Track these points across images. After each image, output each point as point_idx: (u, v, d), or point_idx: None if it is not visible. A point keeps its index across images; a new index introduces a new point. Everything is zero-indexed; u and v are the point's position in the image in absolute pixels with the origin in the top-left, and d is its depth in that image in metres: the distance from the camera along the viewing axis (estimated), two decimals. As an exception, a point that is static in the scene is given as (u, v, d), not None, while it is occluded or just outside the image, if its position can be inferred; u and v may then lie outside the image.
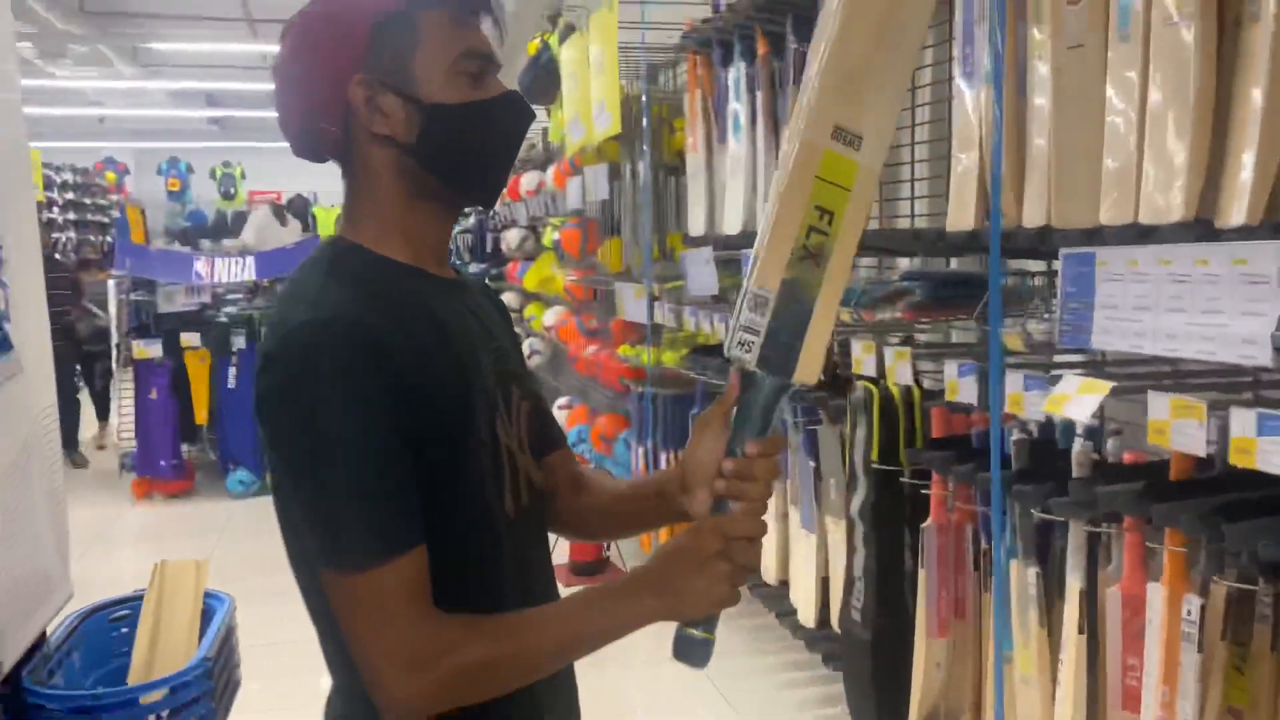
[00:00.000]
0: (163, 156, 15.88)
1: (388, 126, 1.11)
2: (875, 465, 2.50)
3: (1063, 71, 1.90)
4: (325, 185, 17.15)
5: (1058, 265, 2.11)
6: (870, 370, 2.33)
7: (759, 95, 3.37)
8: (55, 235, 11.33)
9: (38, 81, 11.05)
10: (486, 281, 1.25)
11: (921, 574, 2.43)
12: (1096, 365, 1.95)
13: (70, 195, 12.24)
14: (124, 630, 2.57)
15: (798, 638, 3.27)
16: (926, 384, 2.67)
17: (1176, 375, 1.82)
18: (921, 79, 3.07)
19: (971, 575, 2.39)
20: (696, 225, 3.85)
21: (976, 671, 2.40)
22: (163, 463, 5.96)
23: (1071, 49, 1.89)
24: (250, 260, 6.34)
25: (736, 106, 3.50)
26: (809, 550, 3.12)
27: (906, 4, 1.12)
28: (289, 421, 1.01)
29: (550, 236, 5.79)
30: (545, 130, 6.25)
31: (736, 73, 3.50)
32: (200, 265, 6.18)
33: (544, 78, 5.52)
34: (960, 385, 1.98)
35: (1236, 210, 1.56)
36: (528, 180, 6.28)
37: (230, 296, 6.46)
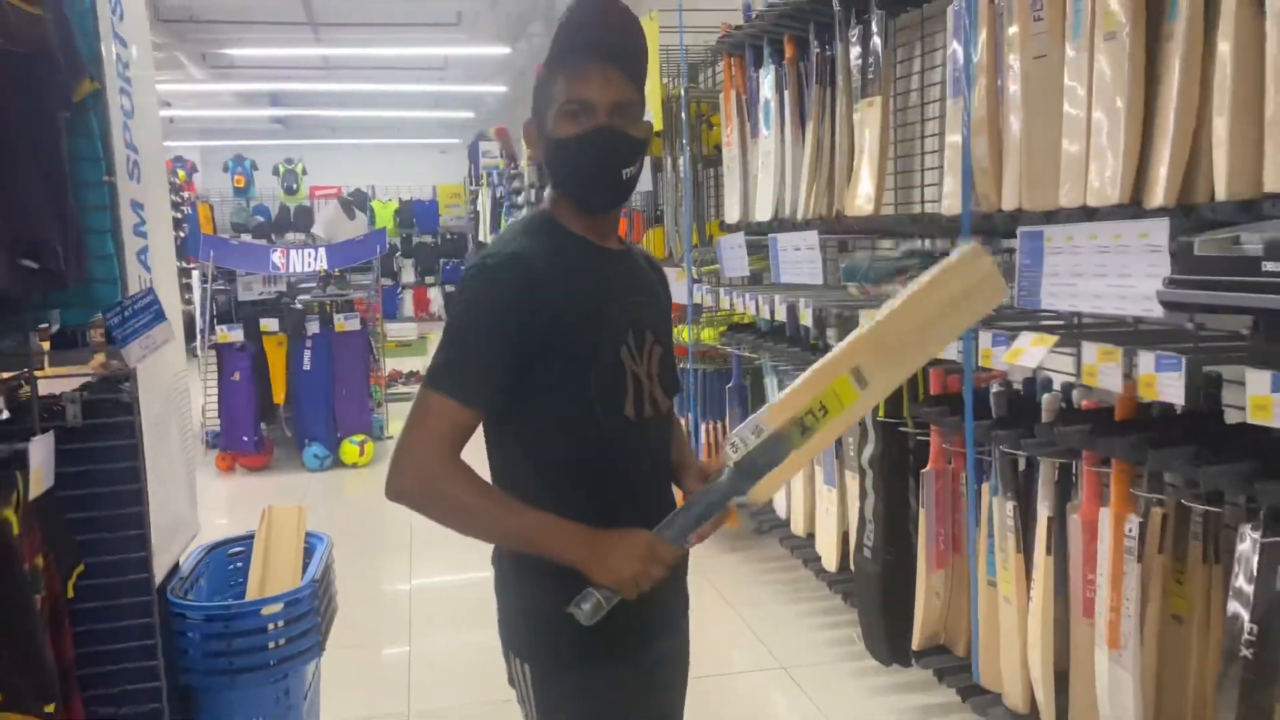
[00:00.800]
0: (228, 154, 16.55)
1: (541, 153, 1.55)
2: (882, 420, 2.86)
3: (1030, 79, 2.25)
4: (382, 180, 17.80)
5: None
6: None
7: (786, 94, 3.73)
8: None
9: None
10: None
11: (922, 514, 2.79)
12: (1069, 326, 2.29)
13: (144, 193, 12.88)
14: (239, 565, 3.02)
15: (821, 580, 3.64)
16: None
17: (1125, 330, 2.16)
18: (933, 79, 3.41)
19: (965, 514, 2.75)
20: (732, 213, 4.22)
21: (970, 598, 2.75)
22: (244, 439, 6.46)
23: (1037, 59, 2.24)
24: (322, 251, 6.82)
25: (767, 104, 3.86)
26: (831, 504, 3.48)
27: (959, 319, 1.50)
28: (463, 298, 1.47)
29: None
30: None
31: (767, 73, 3.86)
32: (277, 256, 6.67)
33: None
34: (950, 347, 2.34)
35: (1159, 194, 1.90)
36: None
37: (304, 285, 6.96)
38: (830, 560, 3.50)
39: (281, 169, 16.58)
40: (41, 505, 2.09)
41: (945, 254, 2.74)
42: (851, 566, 3.20)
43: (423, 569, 4.73)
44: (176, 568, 2.78)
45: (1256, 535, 1.80)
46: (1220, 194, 1.77)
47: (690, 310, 4.50)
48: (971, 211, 2.50)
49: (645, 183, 5.10)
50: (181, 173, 15.22)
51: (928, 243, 3.34)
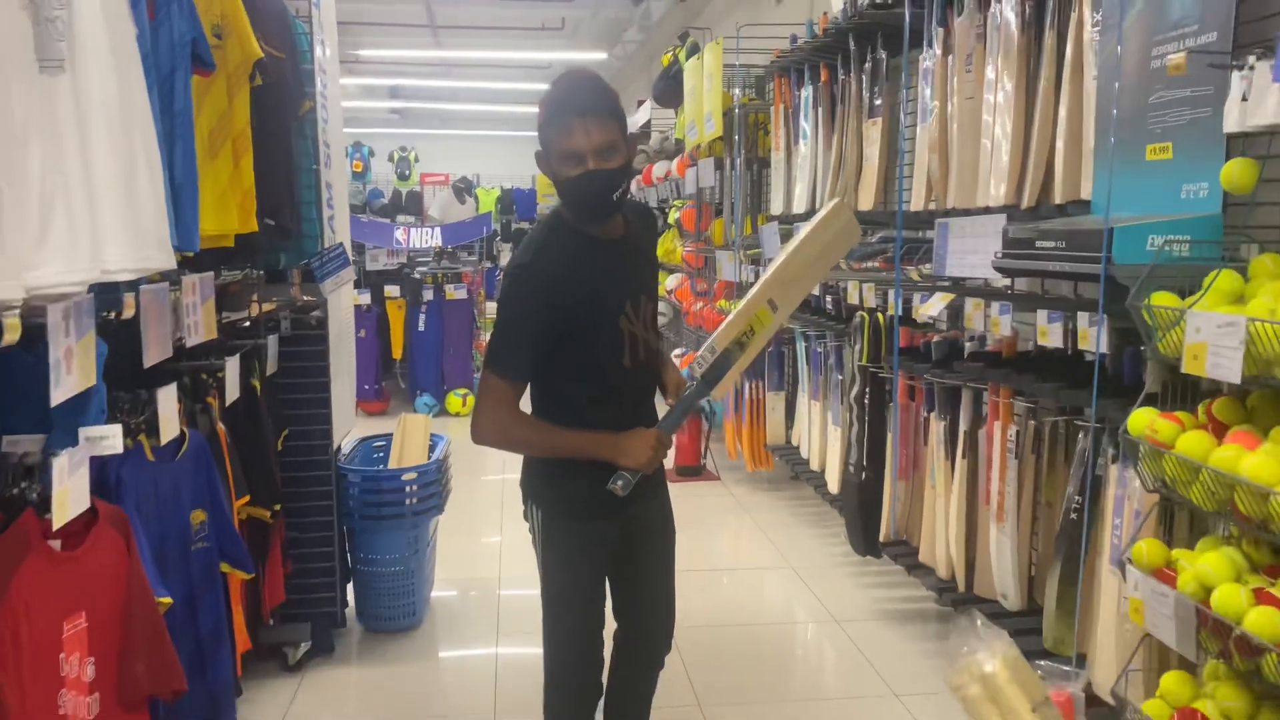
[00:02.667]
0: (348, 141, 17.95)
1: (549, 177, 2.10)
2: (864, 366, 3.75)
3: (963, 114, 3.12)
4: (486, 169, 19.04)
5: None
6: (858, 301, 3.59)
7: (820, 110, 4.62)
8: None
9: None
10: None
11: (889, 438, 3.68)
12: (962, 288, 3.16)
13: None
14: (380, 455, 4.07)
15: (827, 502, 4.54)
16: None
17: (993, 290, 3.02)
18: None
19: (922, 436, 3.63)
20: (776, 207, 5.13)
21: (922, 502, 3.63)
22: (366, 387, 7.61)
23: (967, 99, 3.11)
24: (438, 230, 7.93)
25: (804, 119, 4.76)
26: (835, 438, 4.38)
27: (831, 255, 2.30)
28: (503, 297, 2.06)
29: (673, 216, 7.12)
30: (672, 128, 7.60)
31: (807, 93, 4.76)
32: (399, 234, 7.80)
33: (672, 86, 6.88)
34: (890, 304, 3.24)
35: (1026, 198, 2.77)
36: (659, 169, 7.65)
37: (420, 260, 8.08)
38: (834, 484, 4.39)
39: (396, 156, 17.92)
40: (269, 383, 3.14)
41: (909, 238, 3.63)
42: (838, 486, 4.10)
43: (511, 486, 5.75)
44: (339, 449, 3.84)
45: (1085, 434, 2.67)
46: (1058, 199, 2.64)
47: (738, 286, 5.42)
48: (926, 209, 3.38)
49: (710, 178, 6.03)
50: (307, 157, 16.63)
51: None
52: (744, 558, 4.60)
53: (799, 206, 4.77)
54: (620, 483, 2.06)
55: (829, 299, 3.96)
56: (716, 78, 5.38)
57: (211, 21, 2.57)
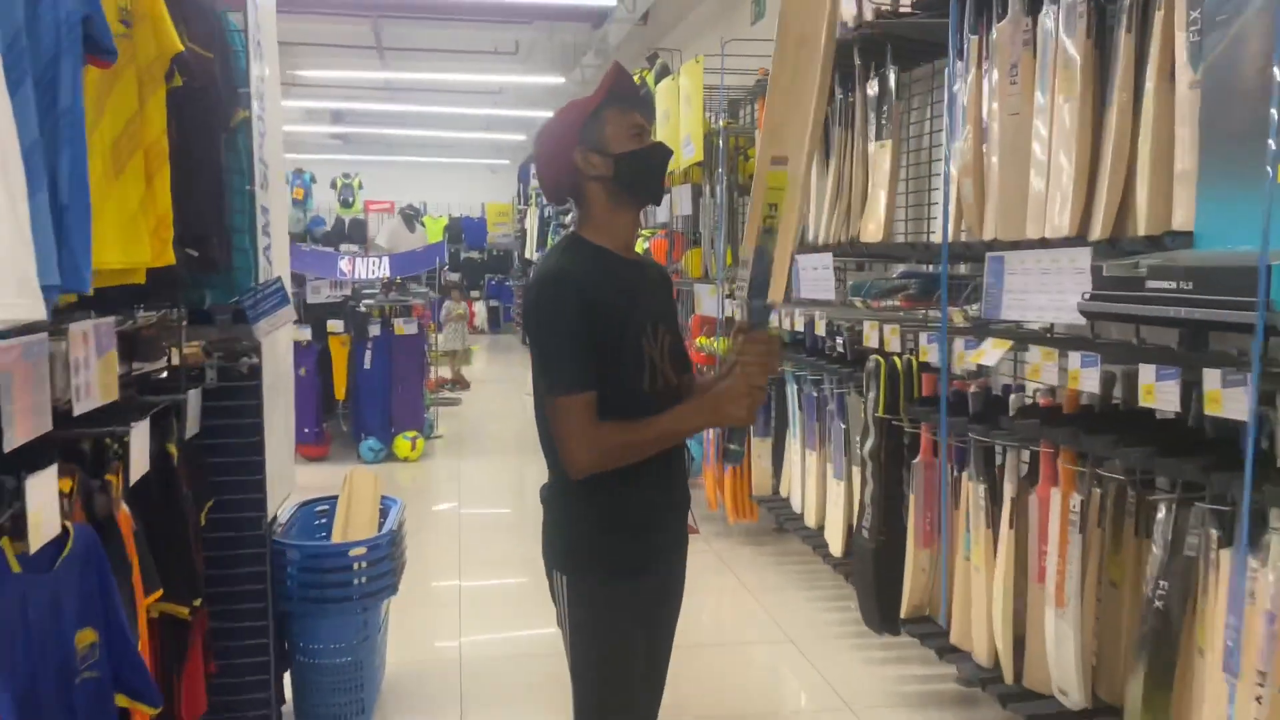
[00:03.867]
0: (289, 168, 17.31)
1: (596, 170, 1.96)
2: (881, 417, 3.31)
3: (1005, 132, 2.72)
4: (432, 197, 18.52)
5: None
6: (874, 343, 3.16)
7: (813, 134, 4.21)
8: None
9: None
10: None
11: (912, 499, 3.24)
12: (1017, 334, 2.74)
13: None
14: (323, 521, 3.53)
15: (830, 567, 4.08)
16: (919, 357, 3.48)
17: (1076, 338, 2.61)
18: (938, 125, 3.88)
19: (949, 499, 3.20)
20: (762, 237, 4.70)
21: (951, 573, 3.19)
22: (305, 430, 7.01)
23: (1011, 115, 2.71)
24: (385, 260, 7.39)
25: (796, 142, 4.35)
26: (839, 495, 3.93)
27: (813, 47, 1.91)
28: (539, 319, 1.87)
29: (642, 246, 6.69)
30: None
31: (797, 114, 4.35)
32: (344, 264, 7.25)
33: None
34: (929, 350, 2.80)
35: (1097, 229, 2.36)
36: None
37: (367, 291, 7.53)
38: (836, 546, 3.94)
39: (339, 183, 17.31)
40: (189, 446, 2.61)
41: (936, 274, 3.21)
42: (843, 549, 3.65)
43: (470, 548, 5.22)
44: (275, 519, 3.29)
45: (1169, 507, 2.24)
46: (1140, 230, 2.23)
47: (721, 323, 4.97)
48: (959, 240, 2.96)
49: (686, 206, 5.60)
50: (246, 183, 15.96)
51: (928, 267, 3.80)
52: (734, 629, 4.12)
53: (789, 237, 4.34)
54: (734, 445, 2.02)
55: (839, 340, 3.52)
56: (696, 99, 4.96)
57: (118, 3, 2.06)
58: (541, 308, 1.87)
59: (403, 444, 7.11)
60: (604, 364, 1.90)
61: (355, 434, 7.21)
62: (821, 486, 4.17)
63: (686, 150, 5.15)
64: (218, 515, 2.82)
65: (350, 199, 17.46)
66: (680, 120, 5.24)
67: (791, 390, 4.46)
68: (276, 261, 3.11)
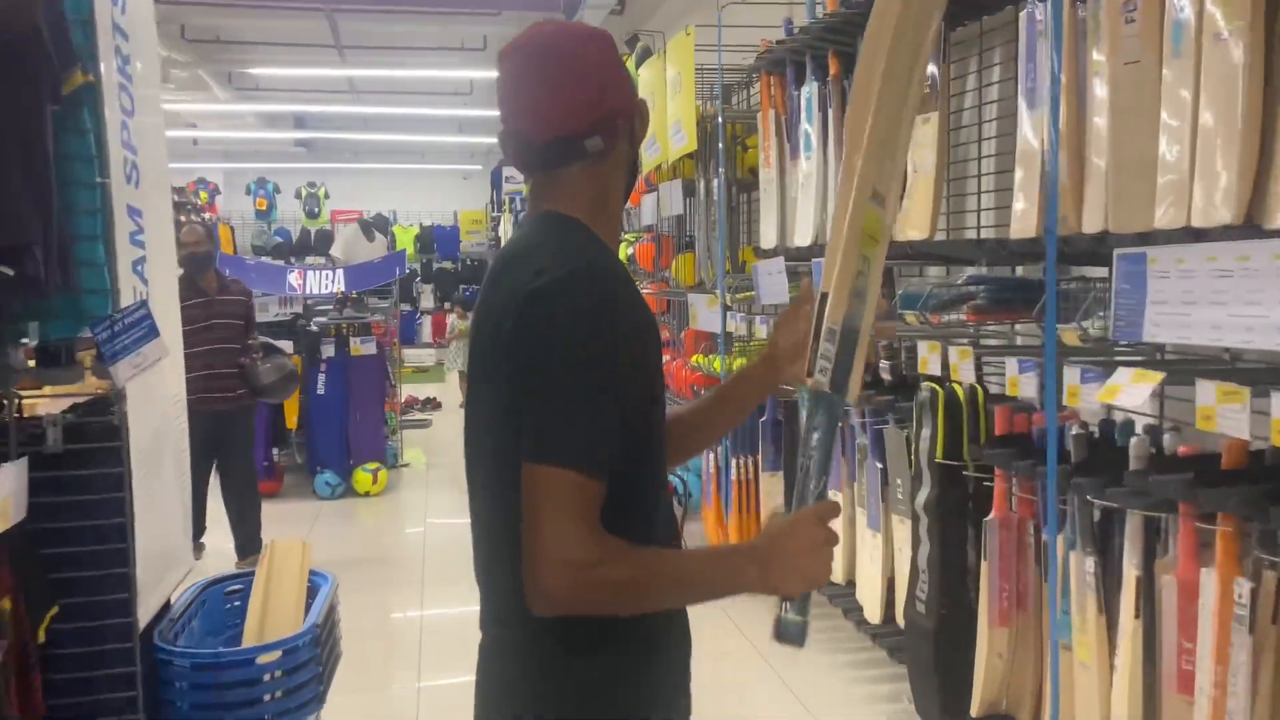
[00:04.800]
0: (251, 177, 16.52)
1: (632, 142, 1.38)
2: (940, 462, 2.61)
3: (1120, 88, 2.02)
4: (403, 205, 17.71)
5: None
6: (935, 370, 2.45)
7: (830, 112, 3.52)
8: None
9: (139, 105, 11.58)
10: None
11: (984, 566, 2.54)
12: (1151, 360, 2.05)
13: (165, 213, 12.82)
14: (237, 603, 2.80)
15: (862, 632, 3.38)
16: (990, 385, 2.78)
17: (1227, 366, 1.92)
18: (989, 95, 3.20)
19: (1032, 567, 2.50)
20: (768, 238, 4.00)
21: (1037, 660, 2.49)
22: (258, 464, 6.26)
23: (1128, 65, 2.01)
24: (340, 273, 6.65)
25: (808, 124, 3.66)
26: (875, 549, 3.23)
27: (911, 54, 1.37)
28: (556, 339, 1.18)
29: (625, 252, 5.98)
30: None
31: (809, 91, 3.66)
32: (293, 278, 6.50)
33: (621, 98, 5.74)
34: (1021, 381, 2.10)
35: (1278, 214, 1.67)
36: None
37: (320, 308, 6.78)
38: (874, 611, 3.24)
39: (304, 192, 16.53)
40: (11, 539, 1.87)
41: (1013, 280, 2.51)
42: (900, 620, 2.95)
43: (434, 601, 4.50)
44: (168, 606, 2.56)
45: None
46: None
47: (722, 339, 4.27)
48: (1042, 237, 2.27)
49: (676, 204, 4.89)
50: (204, 194, 15.16)
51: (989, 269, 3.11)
52: (742, 702, 3.41)
53: (801, 238, 3.65)
54: (792, 616, 1.27)
55: (884, 363, 2.81)
56: (687, 78, 4.25)
57: None
58: (569, 323, 1.19)
59: (362, 477, 6.36)
60: (644, 427, 1.27)
61: (310, 467, 6.46)
62: (850, 536, 3.47)
63: (676, 139, 4.45)
64: (69, 624, 2.09)
65: (316, 209, 16.66)
66: (667, 104, 4.53)
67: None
68: (158, 280, 2.38)
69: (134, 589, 2.14)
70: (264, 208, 16.78)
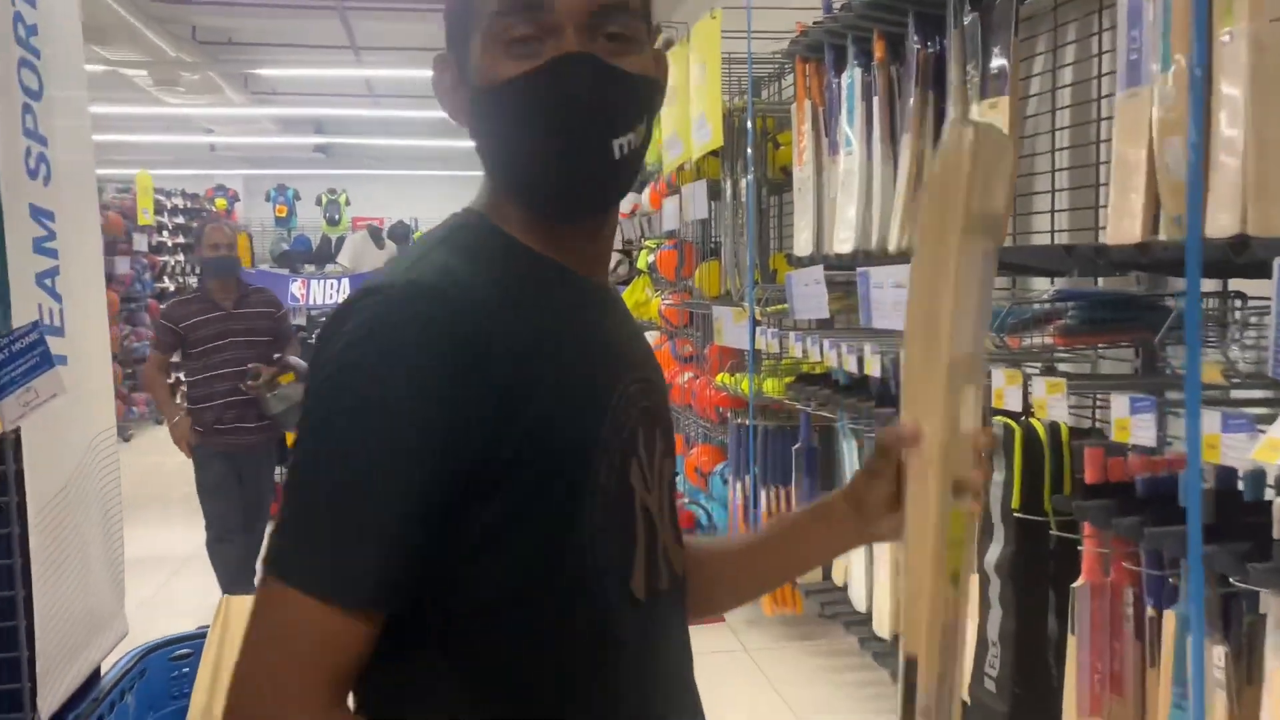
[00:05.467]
0: (271, 183, 16.29)
1: (461, 115, 0.93)
2: (1018, 515, 2.17)
3: (1266, 50, 1.59)
4: (425, 212, 17.37)
5: (1239, 285, 1.79)
6: (1013, 404, 2.02)
7: (875, 102, 3.10)
8: (164, 259, 11.60)
9: (151, 109, 11.38)
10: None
11: (1071, 640, 2.10)
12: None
13: (180, 220, 12.57)
14: (185, 670, 2.40)
15: (874, 658, 2.94)
16: (1072, 420, 2.34)
17: None
18: (1063, 79, 2.77)
19: (1132, 645, 2.05)
20: (803, 245, 3.57)
21: (1140, 760, 2.05)
22: (254, 485, 5.89)
23: (1275, 22, 1.58)
24: (346, 282, 6.29)
25: (849, 116, 3.23)
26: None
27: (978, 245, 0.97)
28: (324, 395, 0.79)
29: (645, 259, 5.57)
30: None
31: (850, 79, 3.24)
32: (296, 287, 6.16)
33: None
34: (1134, 425, 1.66)
35: None
36: (622, 204, 6.09)
37: (324, 319, 6.43)
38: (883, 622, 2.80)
39: (324, 199, 16.26)
40: None
41: (1110, 295, 2.08)
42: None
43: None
44: (97, 677, 2.17)
45: None
46: None
47: (751, 357, 3.85)
48: (1153, 241, 1.84)
49: (700, 208, 4.47)
50: (222, 201, 14.95)
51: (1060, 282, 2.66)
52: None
53: (842, 244, 3.22)
54: None
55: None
56: (713, 67, 3.84)
57: None
58: (352, 358, 0.79)
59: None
60: (539, 534, 0.83)
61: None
62: (898, 586, 3.03)
63: (700, 135, 4.03)
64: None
65: (337, 216, 16.38)
66: (690, 97, 4.12)
67: (848, 447, 3.33)
68: (80, 297, 1.99)
69: (33, 676, 1.75)
70: (284, 215, 16.54)
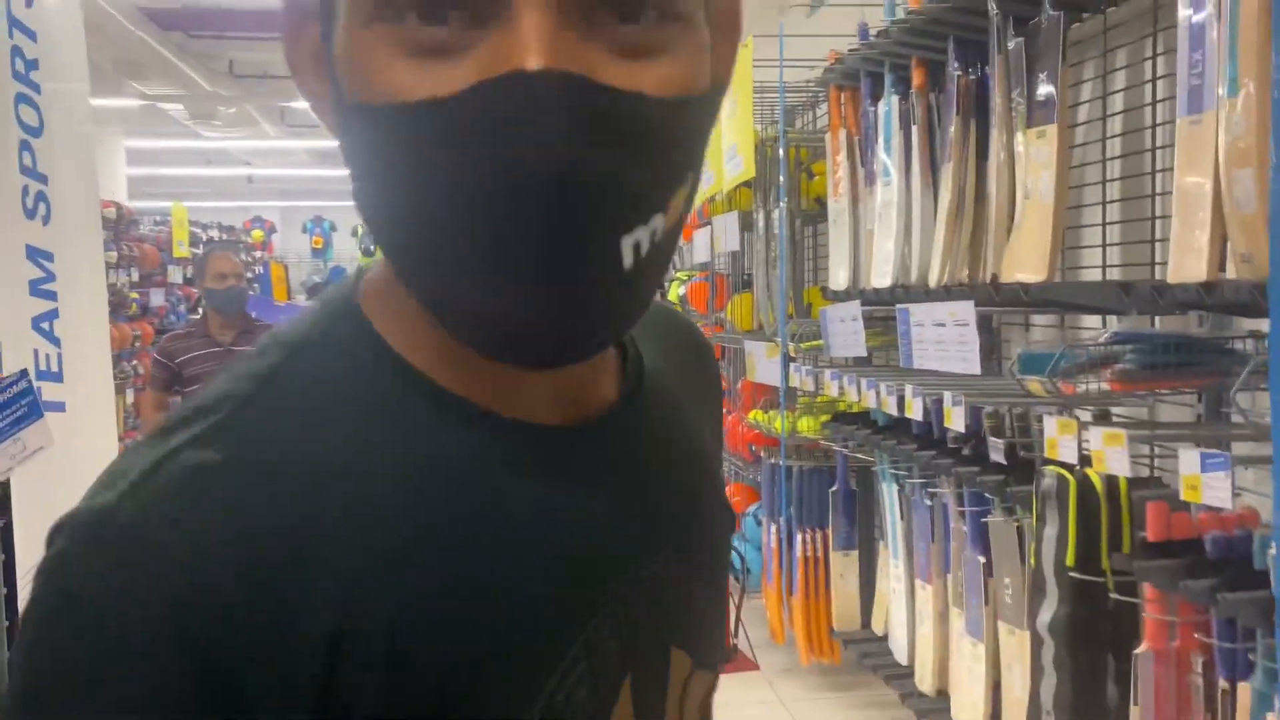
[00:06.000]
0: (308, 215, 16.44)
1: (328, 119, 0.55)
2: (1073, 575, 2.02)
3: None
4: (460, 242, 17.49)
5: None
6: (1068, 455, 1.87)
7: (914, 131, 2.98)
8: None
9: (188, 142, 11.50)
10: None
11: (1134, 711, 1.94)
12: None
13: (217, 252, 12.71)
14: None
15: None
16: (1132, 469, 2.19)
17: None
18: (1113, 106, 2.63)
19: (1201, 717, 1.89)
20: (838, 279, 3.45)
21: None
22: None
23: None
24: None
25: (886, 145, 3.12)
26: (975, 661, 2.63)
27: None
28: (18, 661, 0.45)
29: (676, 291, 5.46)
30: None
31: (888, 107, 3.12)
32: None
33: (673, 125, 5.25)
34: (1205, 483, 1.52)
35: None
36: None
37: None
38: (974, 739, 2.63)
39: (360, 230, 16.38)
40: None
41: (1173, 338, 1.93)
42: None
43: None
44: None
45: None
46: None
47: (784, 394, 3.71)
48: (1222, 280, 1.70)
49: (733, 240, 4.36)
50: (258, 232, 15.08)
51: (1114, 322, 2.52)
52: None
53: (879, 278, 3.09)
54: None
55: (993, 440, 2.22)
56: (745, 97, 3.74)
57: None
58: (30, 630, 0.44)
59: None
60: None
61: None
62: (942, 637, 2.87)
63: (731, 166, 3.93)
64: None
65: (372, 247, 16.53)
66: (722, 128, 4.02)
67: (889, 490, 3.18)
68: (73, 343, 1.90)
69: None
70: (320, 246, 16.67)
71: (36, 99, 1.84)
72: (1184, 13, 1.82)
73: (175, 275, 10.56)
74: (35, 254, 1.80)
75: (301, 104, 10.77)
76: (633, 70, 0.47)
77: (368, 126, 0.49)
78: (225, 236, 13.01)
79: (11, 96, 1.74)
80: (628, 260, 0.48)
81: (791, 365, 3.65)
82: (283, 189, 16.48)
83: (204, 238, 12.28)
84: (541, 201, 0.45)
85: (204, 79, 8.97)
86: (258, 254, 14.39)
